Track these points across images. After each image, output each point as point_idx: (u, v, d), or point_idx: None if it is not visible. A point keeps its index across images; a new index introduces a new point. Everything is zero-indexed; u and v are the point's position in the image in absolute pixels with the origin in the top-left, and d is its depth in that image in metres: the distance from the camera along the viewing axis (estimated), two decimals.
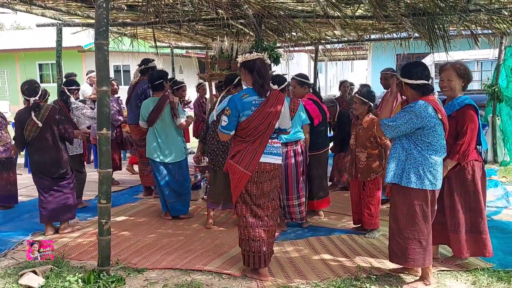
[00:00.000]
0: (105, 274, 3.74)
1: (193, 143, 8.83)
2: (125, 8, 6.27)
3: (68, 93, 6.12)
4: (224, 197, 5.17)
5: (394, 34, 8.84)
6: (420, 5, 5.58)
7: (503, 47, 8.45)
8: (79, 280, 3.72)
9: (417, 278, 3.75)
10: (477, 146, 4.00)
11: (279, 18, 6.40)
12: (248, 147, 3.77)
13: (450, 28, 7.04)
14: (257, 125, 3.75)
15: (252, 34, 7.75)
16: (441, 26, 5.96)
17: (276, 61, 6.20)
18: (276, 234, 4.65)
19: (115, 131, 7.25)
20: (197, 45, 11.04)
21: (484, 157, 4.10)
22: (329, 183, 6.73)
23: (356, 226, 5.14)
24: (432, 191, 3.55)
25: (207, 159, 5.47)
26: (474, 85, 14.58)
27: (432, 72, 10.41)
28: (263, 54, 4.01)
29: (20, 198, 6.45)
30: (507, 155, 8.74)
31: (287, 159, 4.97)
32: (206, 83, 7.79)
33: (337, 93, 10.82)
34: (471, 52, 8.84)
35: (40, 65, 25.47)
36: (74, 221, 5.45)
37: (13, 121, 9.22)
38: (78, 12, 6.62)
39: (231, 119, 3.77)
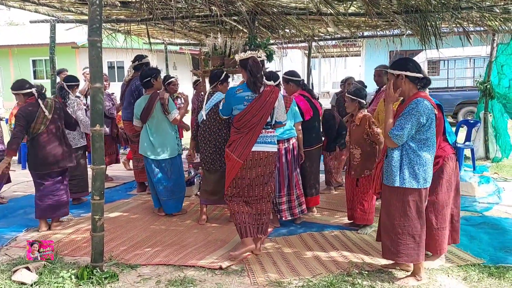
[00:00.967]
0: (98, 270, 3.76)
1: (187, 139, 8.81)
2: (119, 4, 6.24)
3: (67, 89, 6.10)
4: (217, 194, 5.20)
5: (387, 31, 8.88)
6: (412, 2, 5.59)
7: (495, 44, 8.49)
8: (73, 276, 3.74)
9: (409, 273, 3.78)
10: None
11: (273, 15, 6.41)
12: (241, 138, 4.13)
13: (443, 25, 7.07)
14: (250, 118, 4.10)
15: (246, 31, 7.75)
16: (433, 23, 5.99)
17: (270, 58, 6.21)
18: (269, 230, 4.71)
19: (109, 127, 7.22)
20: (191, 42, 11.02)
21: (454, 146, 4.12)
22: (325, 186, 6.71)
23: (349, 222, 5.17)
24: (425, 189, 3.61)
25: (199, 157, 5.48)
26: (466, 82, 14.71)
27: (425, 69, 10.48)
28: (258, 51, 4.26)
29: (13, 194, 6.44)
30: (499, 152, 8.82)
31: (279, 157, 4.98)
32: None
33: (330, 89, 10.85)
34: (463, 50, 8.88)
35: (34, 61, 25.41)
36: (67, 218, 5.46)
37: (6, 117, 9.24)
38: (71, 9, 6.57)
39: (224, 106, 4.38)
